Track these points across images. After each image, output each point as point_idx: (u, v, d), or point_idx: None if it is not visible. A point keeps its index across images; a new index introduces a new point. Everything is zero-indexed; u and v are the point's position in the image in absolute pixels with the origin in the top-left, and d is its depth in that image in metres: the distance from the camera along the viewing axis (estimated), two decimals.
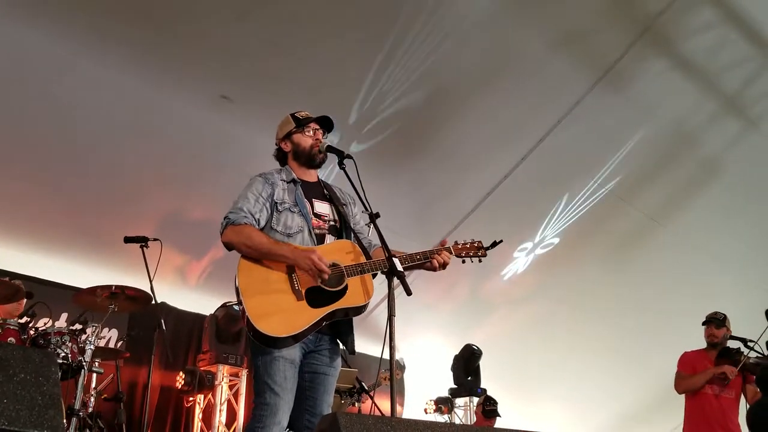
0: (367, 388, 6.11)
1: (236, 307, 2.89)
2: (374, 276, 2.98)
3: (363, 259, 2.95)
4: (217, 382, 6.38)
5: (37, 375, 1.36)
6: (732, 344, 5.14)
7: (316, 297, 2.83)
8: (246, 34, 5.11)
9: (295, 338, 2.80)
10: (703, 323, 5.34)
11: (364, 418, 1.82)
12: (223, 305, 5.49)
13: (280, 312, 2.79)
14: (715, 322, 5.24)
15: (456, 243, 3.11)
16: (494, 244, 3.14)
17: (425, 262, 2.98)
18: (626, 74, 6.12)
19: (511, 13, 5.51)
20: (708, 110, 6.64)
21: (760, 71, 6.44)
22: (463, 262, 3.12)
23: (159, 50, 5.10)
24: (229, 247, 2.93)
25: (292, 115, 3.24)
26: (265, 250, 2.85)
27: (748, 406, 4.93)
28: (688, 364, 5.27)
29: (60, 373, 4.16)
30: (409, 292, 2.72)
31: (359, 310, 2.93)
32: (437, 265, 2.98)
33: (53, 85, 5.08)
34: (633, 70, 6.11)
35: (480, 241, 3.14)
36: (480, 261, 3.13)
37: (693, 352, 5.38)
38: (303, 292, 2.82)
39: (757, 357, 4.87)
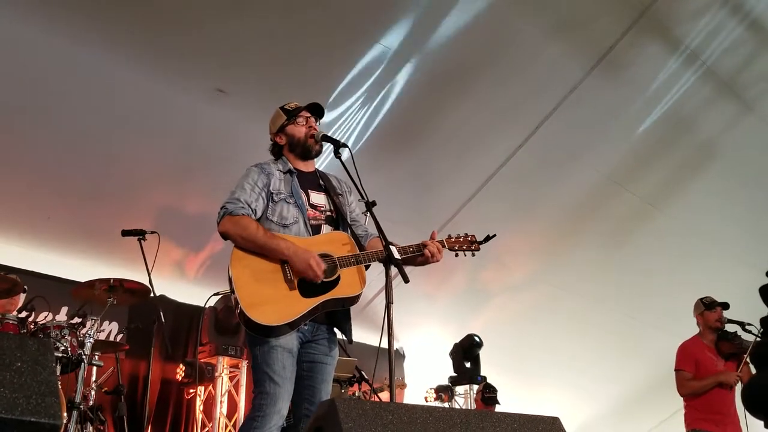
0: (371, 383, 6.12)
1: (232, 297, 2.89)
2: (367, 267, 2.99)
3: (357, 251, 2.97)
4: (217, 374, 6.40)
5: (33, 363, 1.36)
6: (729, 327, 5.11)
7: (308, 287, 2.84)
8: (241, 26, 5.09)
9: (290, 326, 2.81)
10: (708, 307, 5.20)
11: (362, 404, 1.83)
12: (215, 294, 5.49)
13: (273, 301, 2.80)
14: (723, 305, 5.15)
15: (449, 237, 3.12)
16: (487, 239, 3.15)
17: (417, 254, 2.98)
18: (622, 59, 6.10)
19: None
20: (704, 94, 6.63)
21: (755, 54, 6.43)
22: (456, 255, 3.12)
23: (155, 43, 5.08)
24: (225, 237, 2.94)
25: (282, 108, 3.23)
26: (260, 243, 2.86)
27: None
28: (689, 359, 5.07)
29: (60, 366, 4.21)
30: (406, 280, 2.74)
31: (352, 300, 2.95)
32: (428, 255, 2.98)
33: (49, 79, 5.07)
34: (629, 55, 6.10)
35: (473, 235, 3.15)
36: (473, 255, 3.14)
37: (689, 342, 5.20)
38: (296, 281, 2.83)
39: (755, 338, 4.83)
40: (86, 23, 4.80)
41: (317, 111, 3.23)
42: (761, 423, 4.04)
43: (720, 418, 4.91)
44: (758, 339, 4.77)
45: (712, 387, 4.92)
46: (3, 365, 1.33)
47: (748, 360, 4.88)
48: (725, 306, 5.17)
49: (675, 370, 5.14)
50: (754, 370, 4.93)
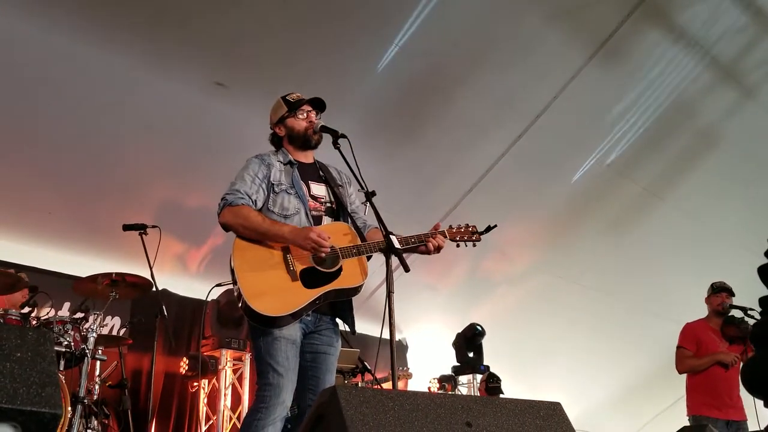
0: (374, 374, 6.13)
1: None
2: (369, 258, 2.99)
3: (359, 241, 2.97)
4: (220, 367, 6.41)
5: (33, 354, 1.37)
6: (735, 313, 5.13)
7: (310, 278, 2.85)
8: (241, 19, 5.08)
9: (293, 316, 2.81)
10: (714, 291, 5.27)
11: (363, 391, 1.83)
12: (218, 285, 5.49)
13: (275, 291, 2.80)
14: (728, 290, 5.21)
15: (450, 227, 3.14)
16: (488, 229, 3.17)
17: (420, 245, 3.00)
18: (622, 47, 6.08)
19: None
20: (704, 81, 6.60)
21: (754, 40, 6.40)
22: (458, 246, 3.14)
23: (154, 38, 5.06)
24: (226, 228, 2.94)
25: (284, 99, 3.22)
26: (262, 231, 2.86)
27: None
28: (691, 338, 5.17)
29: (63, 361, 4.22)
30: (407, 269, 2.75)
31: (354, 291, 2.96)
32: (432, 248, 3.00)
33: (49, 73, 5.06)
34: (629, 42, 6.07)
35: (474, 226, 3.17)
36: (474, 245, 3.16)
37: (695, 323, 5.31)
38: (298, 272, 2.84)
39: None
40: (84, 19, 4.78)
41: (319, 105, 3.22)
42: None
43: (721, 402, 4.95)
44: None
45: (710, 365, 4.99)
46: (3, 356, 1.34)
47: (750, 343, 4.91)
48: (731, 292, 5.21)
49: (676, 347, 5.21)
50: None
